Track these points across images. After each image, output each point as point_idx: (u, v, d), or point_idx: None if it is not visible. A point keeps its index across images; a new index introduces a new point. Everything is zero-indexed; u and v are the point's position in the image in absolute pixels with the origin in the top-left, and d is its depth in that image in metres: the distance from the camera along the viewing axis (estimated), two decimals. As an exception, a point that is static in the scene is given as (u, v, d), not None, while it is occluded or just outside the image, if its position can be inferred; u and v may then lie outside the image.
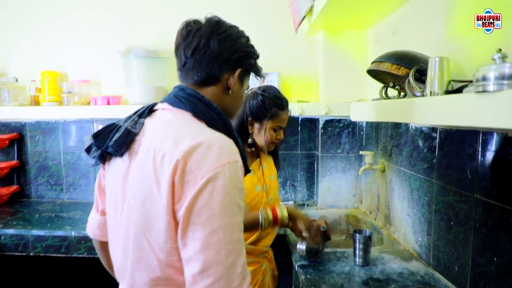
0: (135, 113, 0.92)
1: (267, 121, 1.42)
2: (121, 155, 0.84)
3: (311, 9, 1.88)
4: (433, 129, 1.29)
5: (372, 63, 1.32)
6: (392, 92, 1.49)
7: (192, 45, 0.88)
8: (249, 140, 1.46)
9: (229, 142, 0.77)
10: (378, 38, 1.96)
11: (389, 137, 1.71)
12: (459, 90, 1.01)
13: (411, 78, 1.14)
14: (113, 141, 0.86)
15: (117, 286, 0.96)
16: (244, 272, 0.72)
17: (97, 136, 0.90)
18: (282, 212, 1.37)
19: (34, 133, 2.42)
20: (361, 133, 2.10)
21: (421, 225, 1.41)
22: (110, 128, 0.90)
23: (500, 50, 0.75)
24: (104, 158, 0.90)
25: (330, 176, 2.16)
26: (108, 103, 2.22)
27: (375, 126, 1.90)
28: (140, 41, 2.28)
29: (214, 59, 0.87)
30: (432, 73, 1.06)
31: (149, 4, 2.33)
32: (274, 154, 1.63)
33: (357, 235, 1.36)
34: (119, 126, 0.89)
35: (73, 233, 1.86)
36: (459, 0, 1.18)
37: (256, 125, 1.45)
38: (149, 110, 0.92)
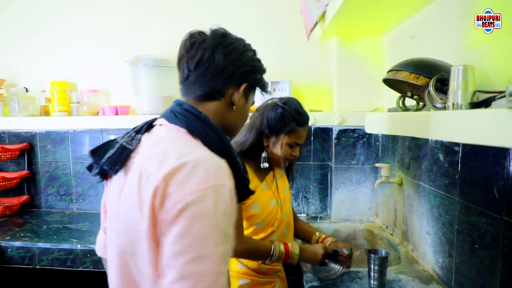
0: (133, 128, 0.87)
1: (284, 136, 1.34)
2: (116, 172, 0.80)
3: (323, 15, 1.81)
4: (456, 142, 1.19)
5: (388, 71, 1.24)
6: (410, 101, 1.40)
7: (196, 58, 0.83)
8: (263, 154, 1.39)
9: (219, 163, 0.71)
10: (395, 45, 1.87)
11: (407, 148, 1.62)
12: (486, 102, 0.92)
13: (431, 89, 1.05)
14: (106, 158, 0.81)
15: None
16: None
17: (95, 152, 0.86)
18: (294, 249, 1.31)
19: (44, 143, 2.41)
20: (377, 143, 2.00)
21: (442, 245, 1.31)
22: (109, 145, 0.86)
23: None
24: (105, 175, 0.86)
25: (344, 189, 2.07)
26: (117, 113, 2.19)
27: (392, 137, 1.80)
28: (150, 50, 2.24)
29: (218, 73, 0.82)
30: (455, 83, 0.97)
31: (158, 13, 2.30)
32: (287, 168, 1.56)
33: (372, 255, 1.27)
34: (116, 142, 0.84)
35: (79, 246, 1.83)
36: (482, 3, 1.09)
37: (272, 139, 1.36)
38: (148, 126, 0.87)
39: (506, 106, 0.66)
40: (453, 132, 0.88)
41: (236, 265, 1.39)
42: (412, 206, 1.57)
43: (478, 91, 0.96)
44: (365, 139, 2.01)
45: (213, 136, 0.79)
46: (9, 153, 2.30)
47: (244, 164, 0.89)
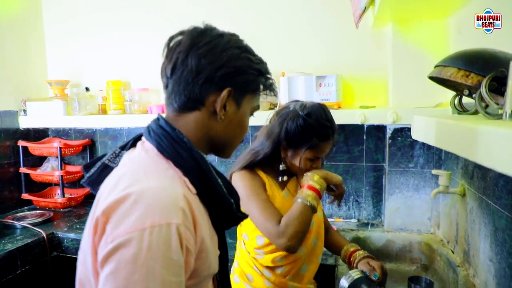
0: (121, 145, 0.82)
1: (304, 151, 1.18)
2: (96, 192, 0.74)
3: (373, -1, 1.59)
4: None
5: (435, 66, 1.02)
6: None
7: (171, 63, 0.73)
8: (281, 166, 1.26)
9: (169, 196, 0.61)
10: (462, 29, 1.57)
11: (471, 154, 1.35)
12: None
13: (483, 90, 0.82)
14: (86, 178, 0.77)
15: None
16: None
17: (87, 168, 0.82)
18: (314, 178, 1.16)
19: (104, 139, 2.54)
20: (439, 144, 1.73)
21: (506, 278, 1.07)
22: (97, 161, 0.81)
23: None
24: None
25: (400, 194, 1.84)
26: (163, 111, 2.21)
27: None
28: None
29: (193, 79, 0.71)
30: (515, 84, 0.74)
31: (212, 14, 2.22)
32: None
33: (413, 285, 1.07)
34: (100, 159, 0.80)
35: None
36: None
37: (290, 152, 1.22)
38: (134, 141, 0.80)
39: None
40: (508, 160, 0.61)
41: (263, 283, 1.28)
42: (475, 224, 1.32)
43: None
44: (424, 140, 1.75)
45: (185, 156, 0.68)
46: (73, 148, 2.48)
47: (230, 185, 0.77)
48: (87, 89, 2.50)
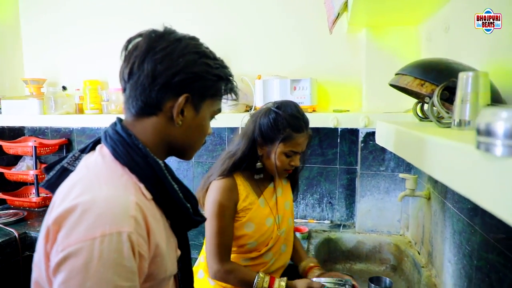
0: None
1: (278, 144, 1.20)
2: None
3: (345, 4, 1.62)
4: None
5: (395, 74, 1.05)
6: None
7: (128, 68, 0.73)
8: (258, 164, 1.27)
9: (120, 205, 0.62)
10: (431, 36, 1.61)
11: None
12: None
13: (435, 99, 0.86)
14: (45, 181, 0.77)
15: None
16: None
17: (48, 169, 0.82)
18: (280, 284, 1.19)
19: (81, 138, 2.52)
20: (409, 148, 1.77)
21: (461, 278, 1.11)
22: (58, 163, 0.82)
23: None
24: None
25: (371, 197, 1.88)
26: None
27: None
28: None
29: (149, 85, 0.70)
30: (463, 94, 0.77)
31: (189, 16, 2.23)
32: (291, 179, 1.43)
33: (372, 285, 1.11)
34: (60, 162, 0.80)
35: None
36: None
37: (266, 148, 1.23)
38: (94, 144, 0.81)
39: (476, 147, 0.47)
40: (449, 172, 0.60)
41: None
42: (438, 226, 1.36)
43: (493, 104, 0.76)
44: (395, 143, 1.79)
45: (140, 162, 0.69)
46: (49, 147, 2.45)
47: (186, 190, 0.79)
48: (64, 88, 2.47)
